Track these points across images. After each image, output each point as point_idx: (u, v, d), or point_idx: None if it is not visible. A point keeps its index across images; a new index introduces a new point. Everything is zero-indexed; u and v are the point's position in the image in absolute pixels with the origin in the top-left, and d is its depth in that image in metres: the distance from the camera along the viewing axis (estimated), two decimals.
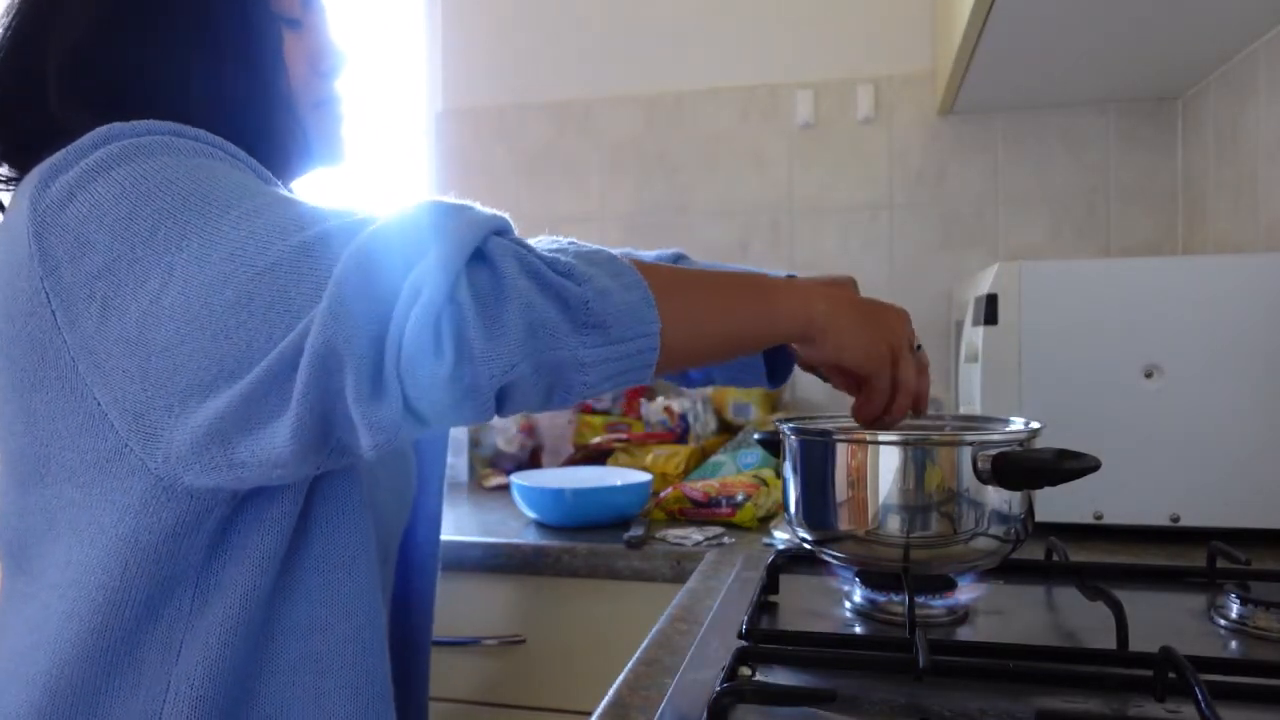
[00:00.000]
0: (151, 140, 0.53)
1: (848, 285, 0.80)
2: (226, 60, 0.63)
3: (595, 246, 0.54)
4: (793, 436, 0.73)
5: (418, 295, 0.43)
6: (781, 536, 1.02)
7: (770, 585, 0.76)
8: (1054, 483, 0.63)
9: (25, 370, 0.54)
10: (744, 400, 1.51)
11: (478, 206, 0.50)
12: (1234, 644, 0.65)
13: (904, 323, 0.67)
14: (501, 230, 0.49)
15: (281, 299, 0.46)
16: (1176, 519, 0.97)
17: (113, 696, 0.54)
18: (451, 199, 0.50)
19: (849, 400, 0.71)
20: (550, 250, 0.51)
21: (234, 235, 0.48)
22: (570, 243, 0.55)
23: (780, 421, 0.75)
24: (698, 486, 1.15)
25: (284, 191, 0.54)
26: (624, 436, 1.38)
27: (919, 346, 0.72)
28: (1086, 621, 0.69)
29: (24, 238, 0.52)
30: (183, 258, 0.48)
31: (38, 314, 0.53)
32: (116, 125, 0.53)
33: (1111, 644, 0.61)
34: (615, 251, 0.55)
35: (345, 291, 0.44)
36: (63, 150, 0.53)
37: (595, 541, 1.03)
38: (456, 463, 1.47)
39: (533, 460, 1.49)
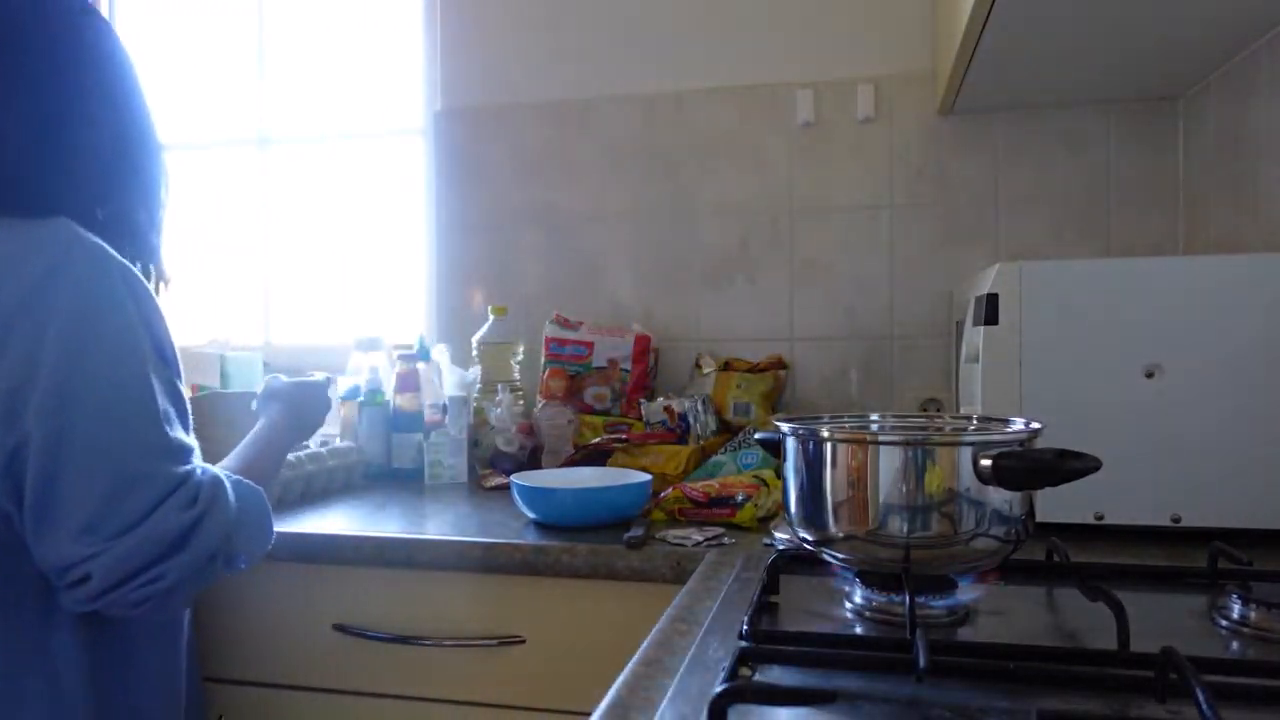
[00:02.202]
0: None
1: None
2: (57, 126, 0.85)
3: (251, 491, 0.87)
4: (793, 437, 0.73)
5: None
6: (782, 537, 1.02)
7: (770, 586, 0.75)
8: (1054, 483, 0.63)
9: None
10: (744, 400, 1.51)
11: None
12: (1235, 645, 0.64)
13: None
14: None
15: None
16: (1177, 519, 0.97)
17: None
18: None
19: (849, 401, 0.71)
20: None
21: None
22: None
23: (780, 422, 0.74)
24: (698, 487, 1.15)
25: None
26: (624, 436, 1.37)
27: None
28: (1087, 622, 0.69)
29: None
30: None
31: None
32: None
33: (1112, 645, 0.61)
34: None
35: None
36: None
37: (595, 541, 1.03)
38: (456, 463, 1.47)
39: (533, 460, 1.49)
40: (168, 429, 0.79)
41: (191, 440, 0.83)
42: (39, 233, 0.78)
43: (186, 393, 0.87)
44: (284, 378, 1.14)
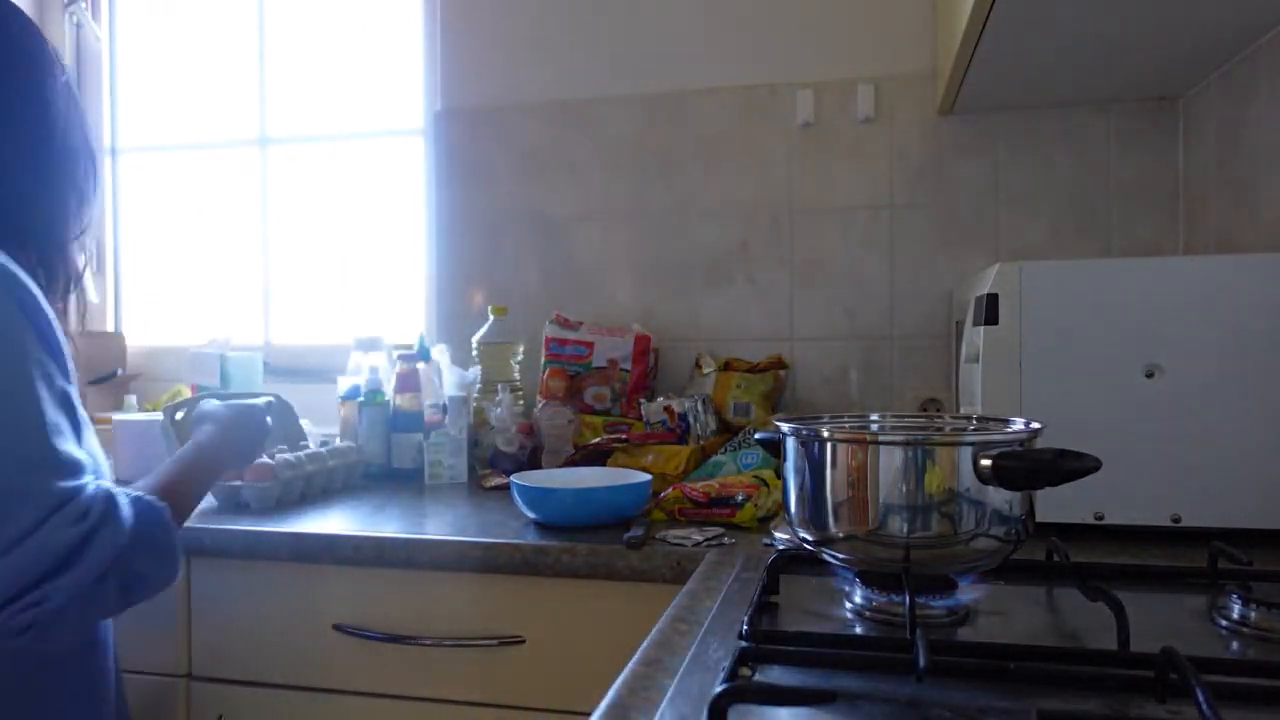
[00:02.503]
0: None
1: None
2: None
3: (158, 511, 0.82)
4: (793, 437, 0.73)
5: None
6: (782, 537, 1.02)
7: (770, 585, 0.75)
8: (1054, 483, 0.62)
9: None
10: (744, 400, 1.51)
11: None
12: (1235, 645, 0.64)
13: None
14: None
15: None
16: (1177, 519, 0.97)
17: None
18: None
19: (849, 401, 0.71)
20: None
21: None
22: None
23: (780, 422, 0.74)
24: (698, 487, 1.15)
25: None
26: (624, 436, 1.37)
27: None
28: (1087, 622, 0.69)
29: None
30: None
31: None
32: None
33: (1112, 645, 0.61)
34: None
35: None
36: None
37: (595, 541, 1.03)
38: (456, 463, 1.47)
39: (533, 460, 1.49)
40: (54, 442, 0.75)
41: (84, 454, 0.78)
42: None
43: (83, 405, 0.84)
44: (215, 402, 1.10)
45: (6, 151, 0.86)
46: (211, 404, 1.09)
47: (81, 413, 0.83)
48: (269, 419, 1.13)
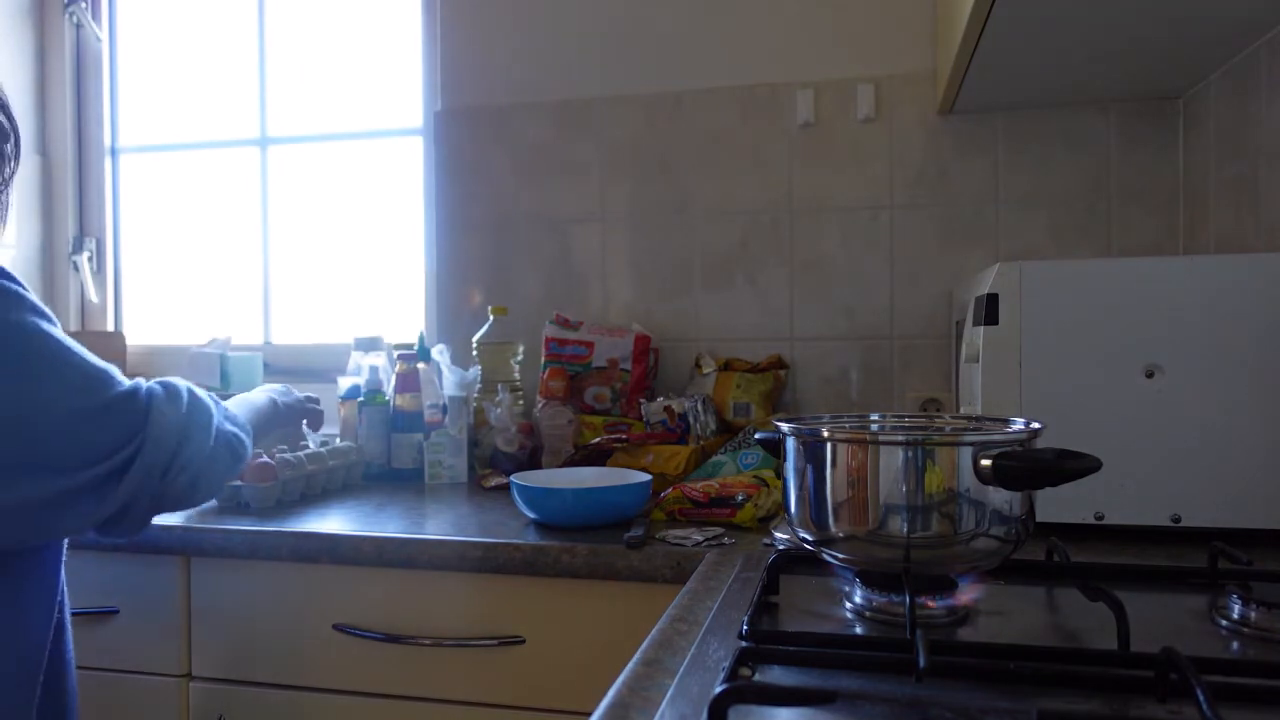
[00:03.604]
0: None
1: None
2: None
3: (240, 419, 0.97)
4: (793, 437, 0.73)
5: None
6: (782, 537, 1.02)
7: (770, 585, 0.75)
8: (1054, 483, 0.62)
9: None
10: (744, 400, 1.51)
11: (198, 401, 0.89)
12: (1236, 645, 0.64)
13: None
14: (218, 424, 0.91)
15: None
16: (1177, 519, 0.97)
17: None
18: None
19: (849, 401, 0.71)
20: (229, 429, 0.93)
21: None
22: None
23: (780, 422, 0.74)
24: (698, 486, 1.15)
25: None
26: (624, 436, 1.37)
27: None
28: (1087, 622, 0.69)
29: None
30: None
31: None
32: None
33: (1113, 644, 0.61)
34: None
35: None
36: None
37: (595, 541, 1.03)
38: (456, 463, 1.47)
39: (533, 460, 1.49)
40: (99, 363, 0.81)
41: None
42: None
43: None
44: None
45: None
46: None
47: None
48: (297, 405, 1.27)
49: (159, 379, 0.87)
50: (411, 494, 1.38)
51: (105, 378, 0.81)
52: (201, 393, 0.91)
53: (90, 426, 0.78)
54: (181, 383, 0.89)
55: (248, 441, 0.95)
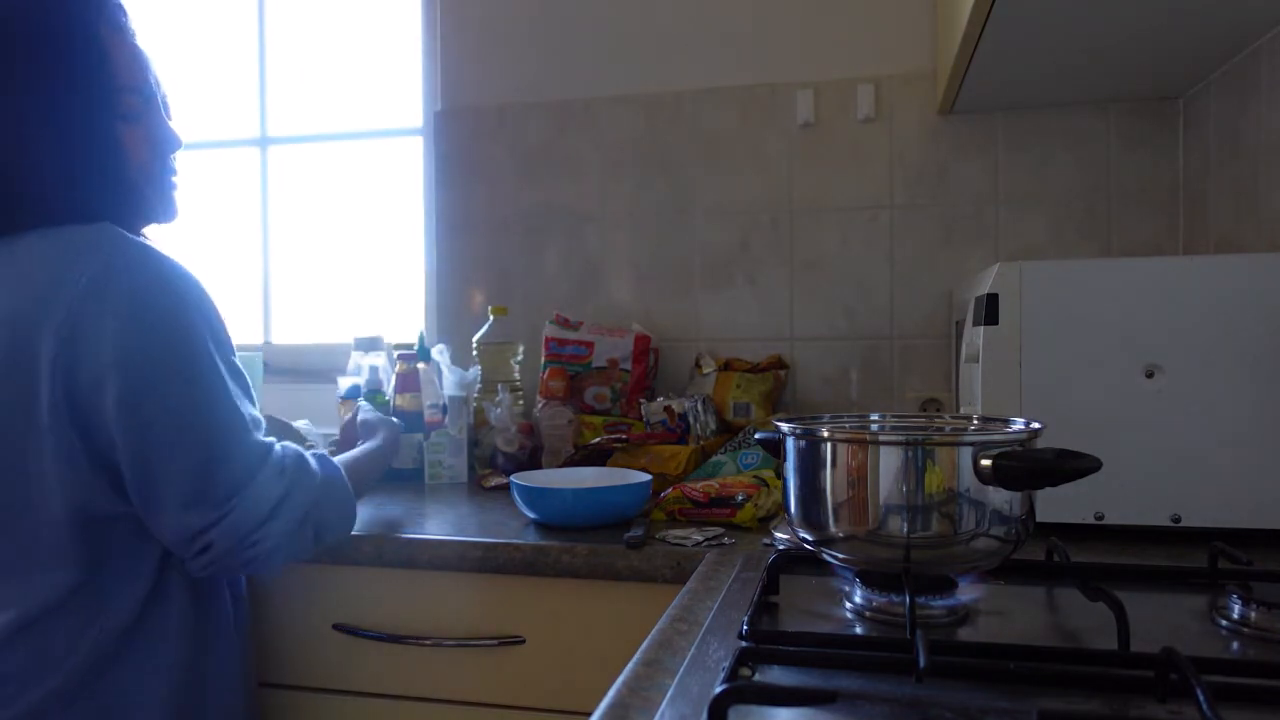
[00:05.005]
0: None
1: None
2: (76, 151, 0.88)
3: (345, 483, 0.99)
4: (793, 437, 0.73)
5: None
6: (782, 537, 1.02)
7: (770, 585, 0.75)
8: (1055, 483, 0.62)
9: None
10: (744, 400, 1.51)
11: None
12: (1236, 645, 0.64)
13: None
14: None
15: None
16: (1177, 519, 0.97)
17: None
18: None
19: (849, 401, 0.71)
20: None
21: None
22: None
23: (780, 422, 0.74)
24: (698, 486, 1.15)
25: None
26: (624, 436, 1.37)
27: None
28: (1087, 622, 0.69)
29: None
30: None
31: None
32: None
33: (1113, 644, 0.61)
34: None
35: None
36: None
37: (595, 541, 1.03)
38: (456, 463, 1.47)
39: (533, 460, 1.49)
40: (241, 404, 0.87)
41: (259, 414, 0.91)
42: (82, 239, 0.84)
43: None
44: (371, 411, 1.27)
45: (138, 154, 0.94)
46: (371, 414, 1.25)
47: (246, 377, 0.92)
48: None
49: (295, 445, 0.93)
50: (411, 494, 1.38)
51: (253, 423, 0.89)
52: (316, 466, 0.94)
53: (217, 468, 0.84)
54: (311, 456, 0.93)
55: (337, 529, 0.98)
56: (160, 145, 0.96)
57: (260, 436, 0.88)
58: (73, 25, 0.87)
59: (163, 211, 1.00)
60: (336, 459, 1.02)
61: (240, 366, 0.91)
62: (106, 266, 0.81)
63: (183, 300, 0.85)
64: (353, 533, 1.08)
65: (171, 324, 0.83)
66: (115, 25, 0.91)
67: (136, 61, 0.93)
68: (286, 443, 0.92)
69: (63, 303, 0.79)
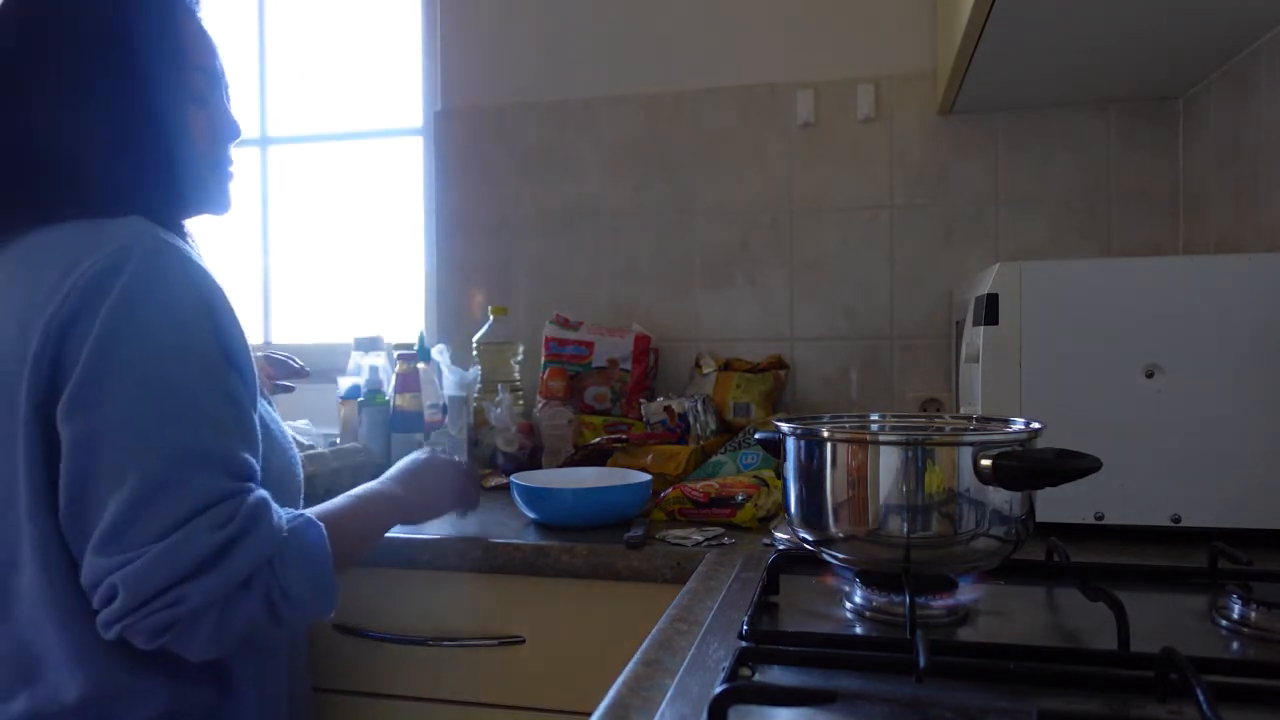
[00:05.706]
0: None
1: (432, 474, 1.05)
2: (142, 134, 0.82)
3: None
4: (793, 437, 0.73)
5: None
6: (782, 537, 1.02)
7: (770, 585, 0.75)
8: (1055, 483, 0.62)
9: None
10: (744, 400, 1.51)
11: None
12: (1236, 645, 0.64)
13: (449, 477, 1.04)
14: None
15: None
16: (1178, 519, 0.97)
17: None
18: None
19: (849, 401, 0.71)
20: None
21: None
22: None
23: (780, 422, 0.74)
24: (698, 487, 1.15)
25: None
26: (624, 436, 1.37)
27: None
28: (1087, 622, 0.69)
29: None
30: None
31: None
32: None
33: (1113, 644, 0.61)
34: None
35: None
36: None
37: (595, 541, 1.03)
38: None
39: (533, 460, 1.49)
40: (212, 438, 0.72)
41: (248, 458, 0.75)
42: (106, 232, 0.75)
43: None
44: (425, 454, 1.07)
45: (187, 150, 0.88)
46: (432, 458, 1.06)
47: (269, 420, 0.84)
48: (456, 474, 1.06)
49: (264, 493, 0.75)
50: None
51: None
52: (279, 519, 0.75)
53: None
54: (278, 510, 0.75)
55: (307, 602, 0.75)
56: (222, 131, 0.91)
57: (224, 481, 0.71)
58: (148, 4, 0.83)
59: (219, 200, 0.94)
60: (320, 509, 0.84)
61: (245, 403, 0.77)
62: (114, 260, 0.73)
63: (186, 314, 0.75)
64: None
65: (163, 331, 0.73)
66: (185, 7, 0.87)
67: (204, 41, 0.88)
68: (261, 492, 0.74)
69: (62, 295, 0.71)
